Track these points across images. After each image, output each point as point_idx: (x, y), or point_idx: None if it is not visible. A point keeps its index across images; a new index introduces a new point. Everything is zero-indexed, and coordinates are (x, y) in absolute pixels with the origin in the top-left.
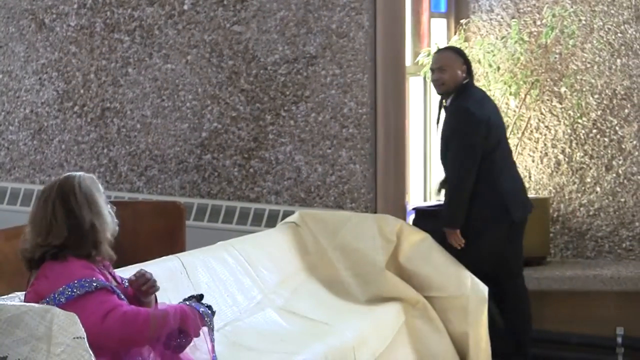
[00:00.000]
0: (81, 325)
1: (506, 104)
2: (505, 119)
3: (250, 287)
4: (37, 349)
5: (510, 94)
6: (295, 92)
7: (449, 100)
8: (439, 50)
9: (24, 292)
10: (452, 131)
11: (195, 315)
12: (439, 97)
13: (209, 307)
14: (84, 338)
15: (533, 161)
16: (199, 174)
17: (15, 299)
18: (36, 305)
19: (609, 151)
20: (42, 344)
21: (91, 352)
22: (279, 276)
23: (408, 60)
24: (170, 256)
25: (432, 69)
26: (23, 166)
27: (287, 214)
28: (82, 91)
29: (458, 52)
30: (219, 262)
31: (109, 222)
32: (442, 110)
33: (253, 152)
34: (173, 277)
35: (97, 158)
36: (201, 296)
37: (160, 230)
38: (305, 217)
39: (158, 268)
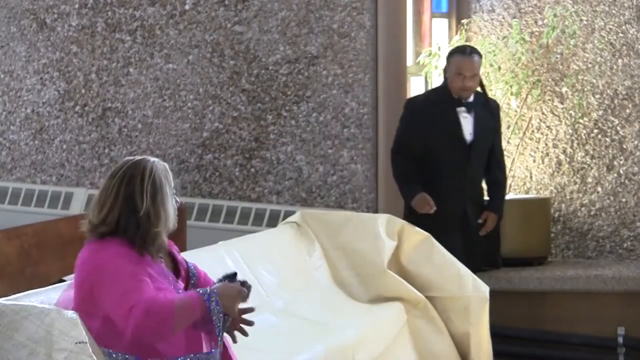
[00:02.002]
0: (83, 329)
1: (507, 104)
2: (506, 119)
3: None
4: (35, 353)
5: (512, 94)
6: (297, 92)
7: (471, 98)
8: (469, 55)
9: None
10: (499, 126)
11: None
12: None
13: (244, 282)
14: (86, 342)
15: (534, 161)
16: (200, 173)
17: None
18: (36, 308)
19: (610, 151)
20: (41, 348)
21: (95, 358)
22: (279, 277)
23: (409, 60)
24: None
25: (461, 75)
26: (24, 166)
27: (288, 214)
28: (83, 91)
29: (480, 55)
30: (219, 264)
31: (170, 215)
32: (461, 109)
33: (254, 152)
34: None
35: (98, 158)
36: (234, 274)
37: None
38: (307, 217)
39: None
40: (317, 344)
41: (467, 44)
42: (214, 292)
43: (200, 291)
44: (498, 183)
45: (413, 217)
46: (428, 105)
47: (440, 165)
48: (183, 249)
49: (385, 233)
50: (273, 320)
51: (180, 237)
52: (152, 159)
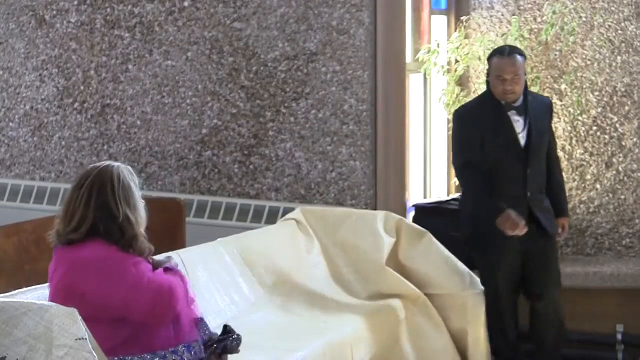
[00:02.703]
0: (83, 325)
1: None
2: None
3: (248, 286)
4: (35, 349)
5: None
6: (296, 89)
7: (519, 102)
8: (509, 56)
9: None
10: (550, 128)
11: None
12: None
13: (234, 337)
14: (86, 339)
15: None
16: (199, 170)
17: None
18: (36, 304)
19: (609, 149)
20: (41, 344)
21: (94, 354)
22: (277, 274)
23: (408, 58)
24: (170, 253)
25: (501, 78)
26: (23, 163)
27: (287, 211)
28: (82, 88)
29: (523, 55)
30: (218, 261)
31: (144, 217)
32: (512, 112)
33: (253, 149)
34: None
35: (97, 155)
36: (225, 327)
37: (160, 227)
38: (306, 214)
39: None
40: (316, 340)
41: (508, 44)
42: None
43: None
44: (557, 182)
45: (475, 236)
46: (477, 112)
47: (499, 173)
48: (182, 245)
49: (384, 230)
50: (272, 317)
51: (179, 234)
52: (115, 164)
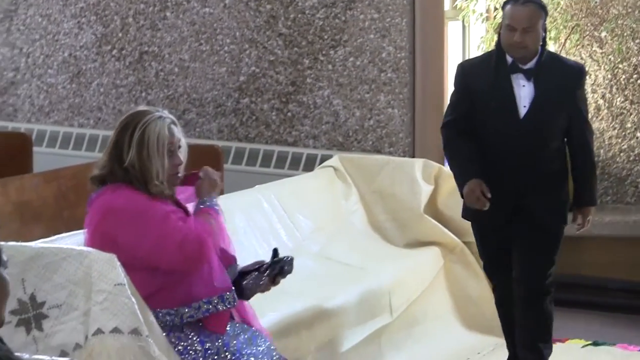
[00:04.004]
0: (121, 270)
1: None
2: None
3: (286, 233)
4: (74, 294)
5: (550, 39)
6: (334, 37)
7: (531, 63)
8: (523, 3)
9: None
10: (581, 95)
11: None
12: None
13: (287, 259)
14: (124, 284)
15: None
16: (236, 117)
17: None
18: (75, 250)
19: None
20: (80, 289)
21: (133, 299)
22: (315, 221)
23: (447, 5)
24: None
25: (510, 26)
26: (62, 109)
27: (324, 158)
28: (120, 35)
29: (542, 8)
30: (256, 207)
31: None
32: (517, 75)
33: (291, 96)
34: None
35: (135, 101)
36: (275, 250)
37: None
38: (343, 161)
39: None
40: (353, 287)
41: None
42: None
43: (203, 206)
44: (579, 169)
45: (464, 208)
46: (478, 68)
47: (490, 146)
48: (220, 192)
49: (422, 177)
50: (309, 264)
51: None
52: (159, 113)
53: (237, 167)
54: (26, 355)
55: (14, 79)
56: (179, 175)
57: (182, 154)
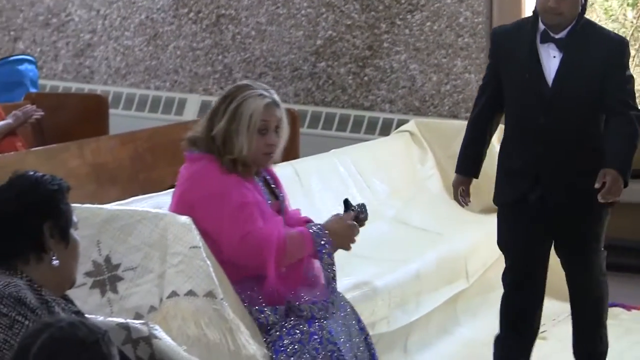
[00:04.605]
0: (197, 233)
1: (624, 14)
2: (621, 30)
3: (361, 197)
4: (150, 256)
5: (628, 4)
6: (411, 1)
7: (564, 32)
8: None
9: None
10: (621, 72)
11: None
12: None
13: (360, 206)
14: (200, 247)
15: None
16: (313, 81)
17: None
18: (150, 212)
19: None
20: (155, 251)
21: (208, 262)
22: (391, 186)
23: None
24: (283, 163)
25: None
26: (138, 72)
27: (401, 123)
28: None
29: None
30: (332, 171)
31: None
32: (547, 45)
33: (367, 60)
34: (286, 184)
35: (211, 64)
36: (346, 200)
37: None
38: (420, 125)
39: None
40: (429, 252)
41: None
42: (324, 232)
43: (312, 229)
44: (615, 133)
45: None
46: (508, 36)
47: (515, 120)
48: (296, 156)
49: (498, 142)
50: (385, 228)
51: (293, 145)
52: (261, 91)
53: (313, 131)
54: (100, 317)
55: (90, 41)
56: (272, 155)
57: (280, 136)
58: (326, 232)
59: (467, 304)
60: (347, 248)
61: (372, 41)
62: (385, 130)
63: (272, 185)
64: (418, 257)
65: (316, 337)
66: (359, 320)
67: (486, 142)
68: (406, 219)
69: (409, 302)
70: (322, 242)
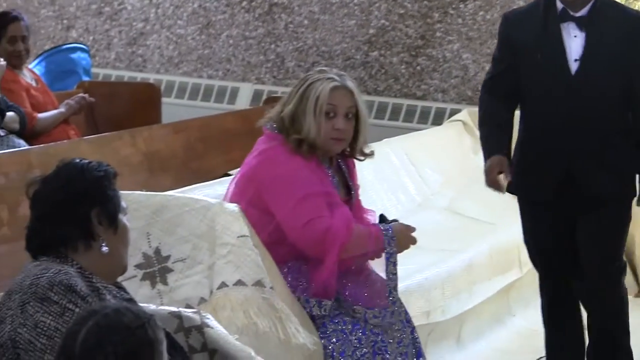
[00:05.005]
0: (245, 222)
1: None
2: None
3: (414, 186)
4: (199, 248)
5: None
6: None
7: (584, 10)
8: None
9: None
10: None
11: (381, 243)
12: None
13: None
14: (248, 236)
15: None
16: (365, 70)
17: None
18: (198, 202)
19: None
20: (204, 242)
21: (257, 250)
22: (443, 175)
23: None
24: None
25: None
26: (191, 60)
27: (453, 112)
28: None
29: None
30: (384, 161)
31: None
32: (567, 24)
33: (420, 50)
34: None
35: (264, 53)
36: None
37: None
38: (472, 115)
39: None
40: (482, 242)
41: None
42: (392, 233)
43: (382, 228)
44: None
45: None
46: (523, 18)
47: (535, 105)
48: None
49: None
50: (438, 217)
51: None
52: (331, 75)
53: None
54: (152, 306)
55: (143, 30)
56: (341, 141)
57: (352, 123)
58: (394, 237)
59: (520, 294)
60: (406, 247)
61: (424, 30)
62: (438, 120)
63: (346, 176)
64: (471, 247)
65: (358, 327)
66: (406, 312)
67: (510, 130)
68: (459, 208)
69: (462, 292)
70: (391, 248)
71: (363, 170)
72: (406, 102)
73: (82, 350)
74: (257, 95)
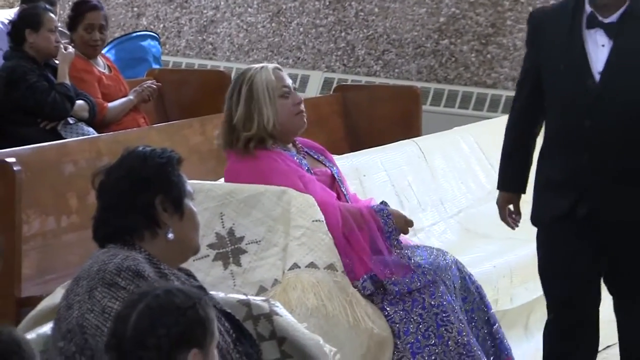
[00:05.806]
0: (317, 208)
1: None
2: None
3: (484, 174)
4: (274, 230)
5: None
6: None
7: (615, 16)
8: None
9: None
10: None
11: (374, 214)
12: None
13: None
14: (322, 221)
15: None
16: (436, 59)
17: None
18: (272, 186)
19: None
20: (279, 225)
21: (330, 235)
22: None
23: None
24: (407, 140)
25: None
26: (261, 48)
27: None
28: None
29: None
30: (455, 149)
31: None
32: (594, 31)
33: (490, 38)
34: (411, 161)
35: (334, 41)
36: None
37: (396, 115)
38: None
39: (395, 152)
40: None
41: None
42: (387, 211)
43: (375, 205)
44: None
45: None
46: (550, 18)
47: (554, 121)
48: (418, 133)
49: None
50: None
51: (415, 122)
52: (258, 66)
53: (435, 108)
54: (221, 294)
55: (213, 18)
56: (303, 112)
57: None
58: (390, 216)
59: None
60: (405, 231)
61: (495, 19)
62: (508, 108)
63: (315, 157)
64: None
65: (417, 302)
66: (482, 297)
67: (531, 149)
68: (528, 197)
69: (530, 280)
70: (389, 226)
71: (433, 158)
72: (476, 90)
73: (134, 334)
74: (327, 83)
